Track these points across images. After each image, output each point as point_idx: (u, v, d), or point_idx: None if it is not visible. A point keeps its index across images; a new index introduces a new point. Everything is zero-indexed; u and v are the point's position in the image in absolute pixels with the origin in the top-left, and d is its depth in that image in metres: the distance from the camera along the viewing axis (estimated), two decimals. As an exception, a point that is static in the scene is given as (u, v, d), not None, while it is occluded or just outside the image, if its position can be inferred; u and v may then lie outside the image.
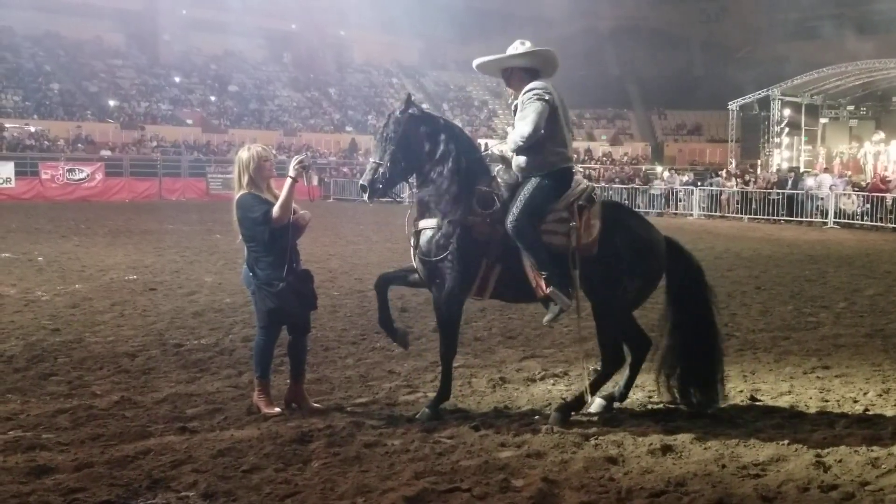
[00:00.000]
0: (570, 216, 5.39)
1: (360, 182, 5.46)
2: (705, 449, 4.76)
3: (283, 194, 5.29)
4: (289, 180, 5.30)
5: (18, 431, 5.06)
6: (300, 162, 5.38)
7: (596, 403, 5.62)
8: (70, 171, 29.82)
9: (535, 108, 5.30)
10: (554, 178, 5.43)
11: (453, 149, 5.44)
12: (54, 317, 8.66)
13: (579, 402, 5.51)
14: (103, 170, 30.61)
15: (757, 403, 5.83)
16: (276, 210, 5.25)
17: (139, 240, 16.78)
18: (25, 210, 24.27)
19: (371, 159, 5.50)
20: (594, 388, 5.55)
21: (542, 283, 5.32)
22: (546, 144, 5.38)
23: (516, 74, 5.60)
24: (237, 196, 5.43)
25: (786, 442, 4.88)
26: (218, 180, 32.31)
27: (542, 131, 5.29)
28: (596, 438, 4.97)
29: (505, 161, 5.65)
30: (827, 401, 5.89)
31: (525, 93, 5.41)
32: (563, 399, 5.75)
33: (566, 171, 5.52)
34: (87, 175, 30.05)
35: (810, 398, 5.95)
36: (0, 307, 9.17)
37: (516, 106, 5.56)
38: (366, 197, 5.44)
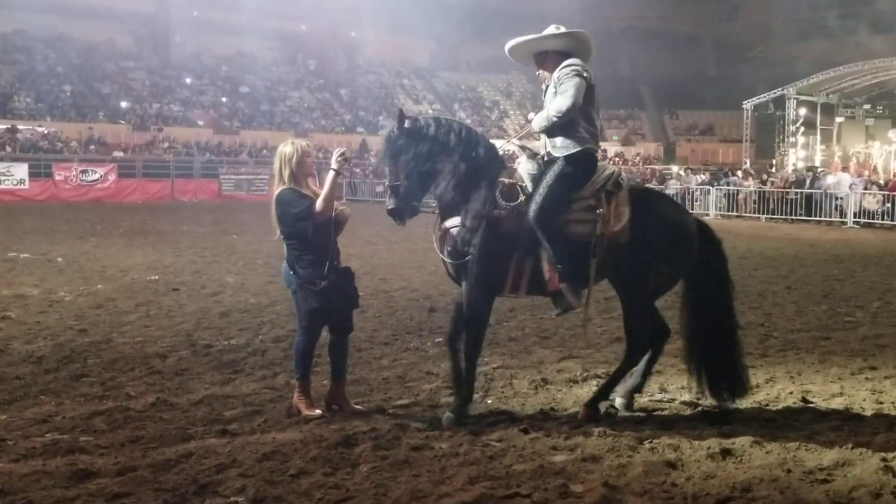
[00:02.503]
0: (597, 203, 5.22)
1: (387, 208, 5.30)
2: (767, 453, 4.59)
3: (326, 187, 5.16)
4: (331, 173, 5.17)
5: (56, 434, 4.95)
6: (342, 154, 5.24)
7: (618, 402, 5.50)
8: (83, 172, 29.78)
9: (575, 83, 5.13)
10: (578, 164, 5.24)
11: (462, 147, 5.28)
12: (80, 317, 8.55)
13: (603, 394, 5.46)
14: (116, 171, 30.58)
15: (810, 405, 5.65)
16: (319, 203, 5.12)
17: (156, 240, 16.69)
18: (40, 211, 24.23)
19: (386, 183, 5.33)
20: (618, 376, 5.50)
21: (556, 277, 5.18)
22: (580, 121, 5.23)
23: (551, 58, 5.42)
24: (277, 191, 5.28)
25: (849, 446, 4.71)
26: (230, 181, 32.26)
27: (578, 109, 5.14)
28: (651, 441, 4.80)
29: (526, 151, 5.47)
30: (881, 402, 5.72)
31: (562, 68, 5.23)
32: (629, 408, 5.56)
33: (592, 154, 5.32)
34: (101, 176, 30.01)
35: (864, 400, 5.77)
36: (24, 307, 9.07)
37: (546, 88, 5.41)
38: (397, 222, 5.32)
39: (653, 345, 5.61)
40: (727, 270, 5.64)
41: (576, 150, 5.22)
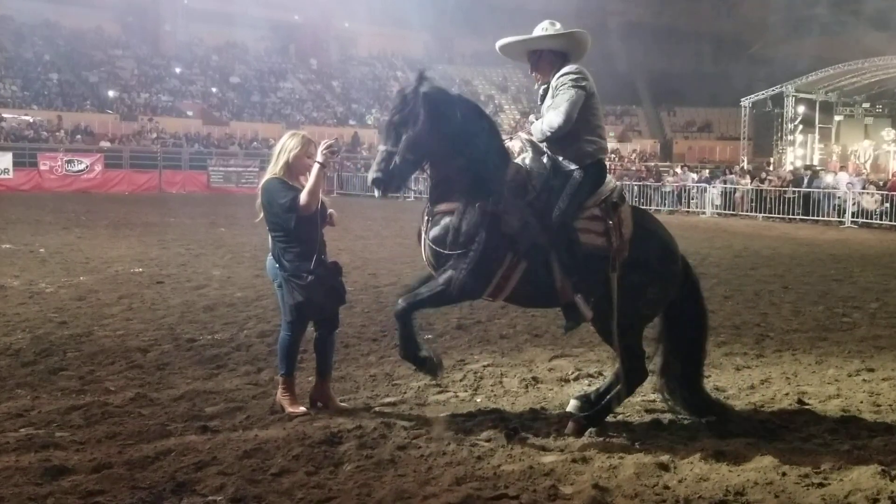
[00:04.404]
0: (602, 214, 4.93)
1: (372, 176, 4.75)
2: (761, 455, 4.45)
3: (310, 180, 4.98)
4: (316, 166, 4.98)
5: (30, 429, 4.79)
6: (329, 147, 5.07)
7: (571, 405, 5.21)
8: (69, 162, 29.45)
9: (570, 96, 4.84)
10: (593, 172, 4.98)
11: (477, 130, 4.88)
12: (60, 309, 8.36)
13: (600, 415, 5.05)
14: (102, 161, 30.24)
15: (806, 407, 5.54)
16: (303, 196, 4.94)
17: (142, 232, 16.47)
18: (24, 201, 23.95)
19: (381, 147, 4.79)
20: (617, 402, 5.10)
21: (569, 288, 4.84)
22: (581, 134, 4.93)
23: (545, 58, 5.11)
24: (265, 179, 5.13)
25: (845, 448, 4.61)
26: (219, 173, 31.99)
27: (573, 123, 4.84)
28: (643, 443, 4.69)
29: (533, 146, 5.09)
30: (879, 405, 5.61)
31: (559, 77, 4.94)
32: (583, 411, 5.19)
33: (602, 164, 5.08)
34: (87, 166, 29.69)
35: (861, 402, 5.67)
36: (4, 299, 8.88)
37: (544, 91, 5.12)
38: (377, 192, 4.84)
39: None
40: (704, 307, 5.40)
41: (583, 164, 4.94)
